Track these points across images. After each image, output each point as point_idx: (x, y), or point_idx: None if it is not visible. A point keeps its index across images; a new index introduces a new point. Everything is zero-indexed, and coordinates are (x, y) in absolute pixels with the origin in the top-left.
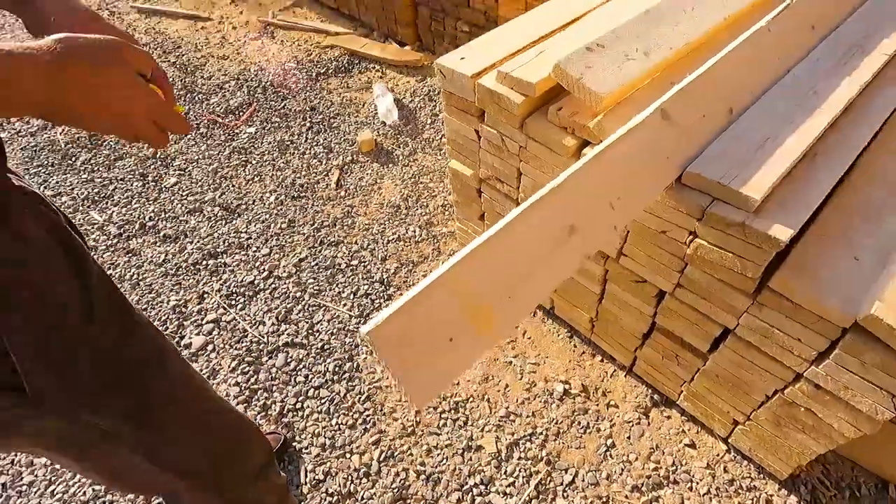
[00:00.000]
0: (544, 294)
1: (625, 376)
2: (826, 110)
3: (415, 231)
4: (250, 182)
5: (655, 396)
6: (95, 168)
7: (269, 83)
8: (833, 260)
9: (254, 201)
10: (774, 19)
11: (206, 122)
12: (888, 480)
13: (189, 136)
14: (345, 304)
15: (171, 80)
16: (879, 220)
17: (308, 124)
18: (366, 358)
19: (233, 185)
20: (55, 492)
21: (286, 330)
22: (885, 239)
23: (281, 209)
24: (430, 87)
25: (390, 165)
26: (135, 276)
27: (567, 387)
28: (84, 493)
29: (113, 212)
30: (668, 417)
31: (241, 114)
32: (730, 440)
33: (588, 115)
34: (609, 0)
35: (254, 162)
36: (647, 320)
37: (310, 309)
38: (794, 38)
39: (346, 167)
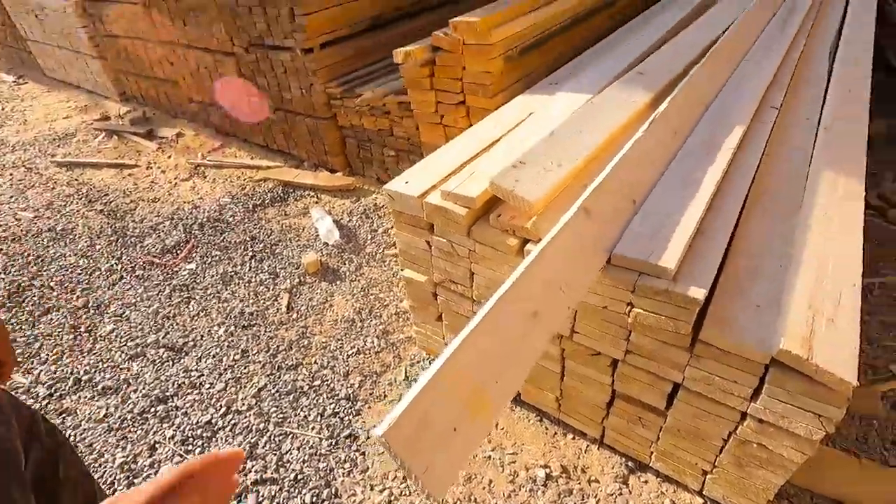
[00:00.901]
0: (524, 373)
1: (598, 449)
2: (703, 194)
3: (373, 342)
4: (196, 318)
5: (630, 463)
6: (17, 327)
7: (205, 219)
8: (742, 310)
9: (202, 336)
10: (649, 128)
11: (141, 263)
12: (841, 500)
13: (124, 280)
14: (313, 428)
15: (99, 226)
16: (762, 275)
17: (250, 253)
18: (343, 481)
19: (177, 324)
20: None
21: (253, 466)
22: (771, 289)
23: (232, 340)
24: (364, 206)
25: (338, 282)
26: (72, 438)
27: (548, 470)
28: None
29: (40, 371)
30: (646, 482)
31: (178, 252)
32: (704, 492)
33: (524, 218)
34: (516, 127)
35: (197, 297)
36: (607, 390)
37: (276, 439)
38: (666, 140)
39: (294, 290)
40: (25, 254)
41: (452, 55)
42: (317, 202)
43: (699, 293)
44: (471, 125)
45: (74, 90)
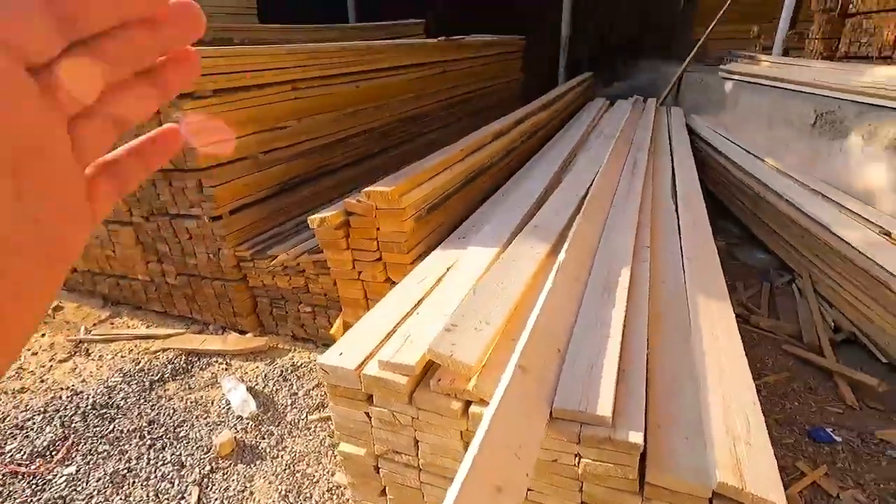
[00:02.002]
0: None
1: None
2: (615, 333)
3: None
4: None
5: None
6: None
7: (89, 406)
8: (674, 444)
9: None
10: (555, 279)
11: (0, 475)
12: None
13: None
14: None
15: None
16: (681, 404)
17: (148, 442)
18: None
19: None
20: None
21: None
22: (692, 417)
23: None
24: (281, 367)
25: (258, 462)
26: None
27: None
28: None
29: None
30: None
31: (54, 454)
32: None
33: (464, 381)
34: (438, 283)
35: None
36: None
37: None
38: (571, 288)
39: (205, 480)
40: None
41: (366, 219)
42: (226, 369)
43: (638, 437)
44: (389, 279)
45: None
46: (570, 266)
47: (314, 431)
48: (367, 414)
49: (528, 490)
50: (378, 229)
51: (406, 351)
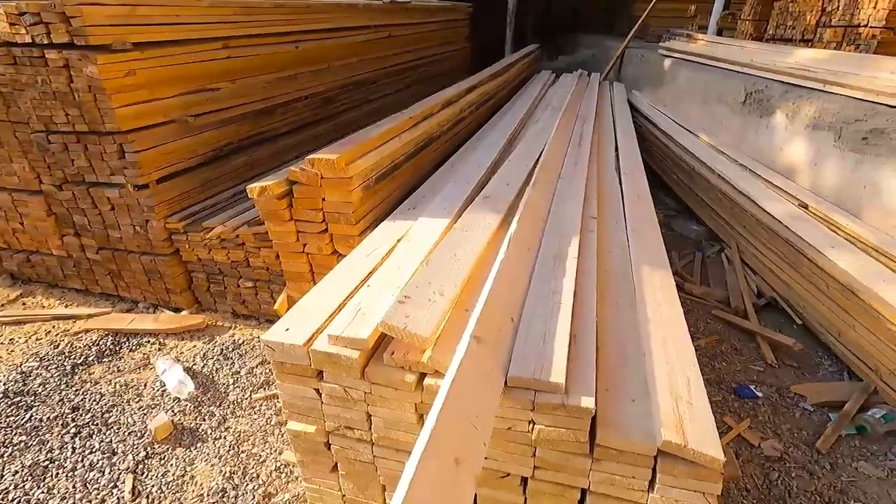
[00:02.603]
0: None
1: None
2: (566, 302)
3: None
4: None
5: None
6: None
7: (0, 395)
8: (622, 407)
9: None
10: (508, 249)
11: None
12: None
13: None
14: None
15: None
16: (629, 369)
17: (73, 430)
18: None
19: None
20: None
21: None
22: (638, 381)
23: None
24: (221, 345)
25: (199, 445)
26: None
27: None
28: None
29: None
30: None
31: None
32: None
33: (418, 353)
34: (388, 255)
35: None
36: None
37: None
38: (523, 257)
39: (140, 467)
40: None
41: (311, 188)
42: (160, 349)
43: (590, 402)
44: (335, 251)
45: None
46: (522, 236)
47: (259, 410)
48: (317, 390)
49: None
50: (323, 199)
51: (357, 325)
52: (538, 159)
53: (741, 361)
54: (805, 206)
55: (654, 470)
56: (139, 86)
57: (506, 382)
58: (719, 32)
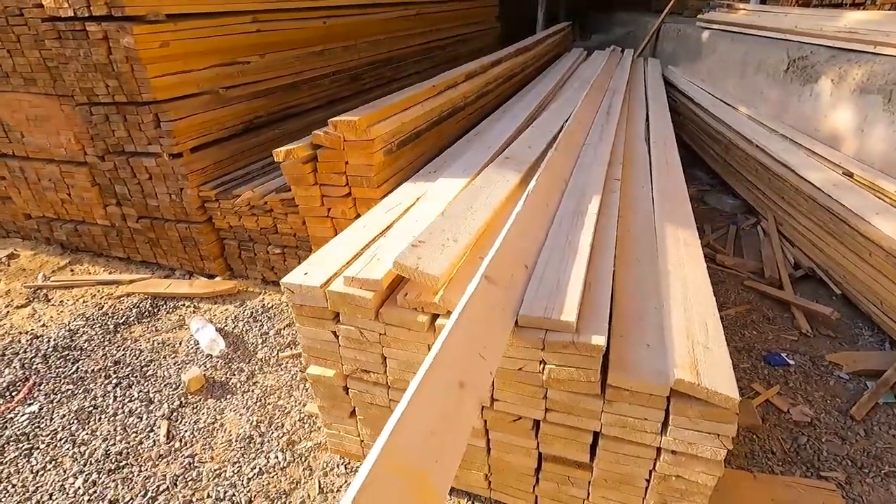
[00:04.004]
0: (461, 450)
1: None
2: (583, 253)
3: (277, 457)
4: (41, 473)
5: None
6: None
7: (50, 349)
8: (636, 351)
9: (50, 496)
10: (526, 202)
11: None
12: None
13: None
14: None
15: None
16: (645, 317)
17: (115, 380)
18: None
19: (11, 487)
20: None
21: None
22: (654, 327)
23: (95, 491)
24: (252, 309)
25: (228, 397)
26: None
27: None
28: None
29: None
30: None
31: (14, 393)
32: None
33: (431, 294)
34: (407, 211)
35: (42, 446)
36: (533, 454)
37: None
38: (541, 211)
39: (175, 414)
40: None
41: (334, 151)
42: (195, 311)
43: (601, 340)
44: (359, 215)
45: None
46: (541, 191)
47: (286, 367)
48: (335, 333)
49: (495, 401)
50: (346, 163)
51: (372, 267)
52: (563, 126)
53: (773, 331)
54: (850, 175)
55: (667, 412)
56: (174, 57)
57: (517, 323)
58: (763, 1)
